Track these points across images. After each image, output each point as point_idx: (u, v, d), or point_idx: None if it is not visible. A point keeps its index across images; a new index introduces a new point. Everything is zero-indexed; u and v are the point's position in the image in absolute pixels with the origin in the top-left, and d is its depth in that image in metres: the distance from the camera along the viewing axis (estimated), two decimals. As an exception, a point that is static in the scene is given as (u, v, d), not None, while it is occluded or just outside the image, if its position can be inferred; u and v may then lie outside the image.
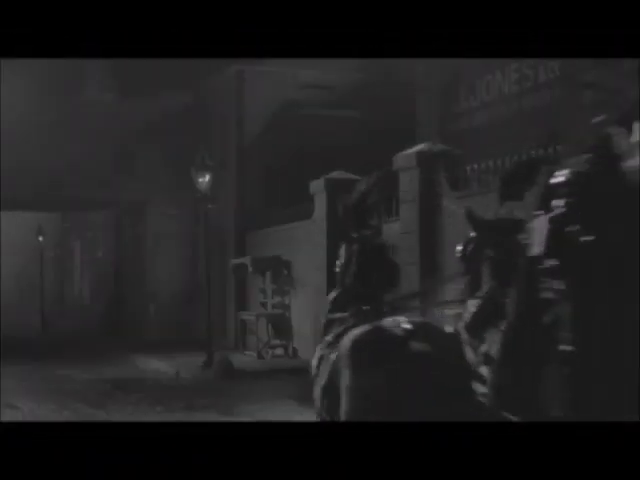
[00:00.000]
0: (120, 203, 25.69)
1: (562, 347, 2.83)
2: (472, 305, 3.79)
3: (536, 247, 2.88)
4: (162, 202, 23.70)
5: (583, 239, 2.68)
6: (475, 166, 12.46)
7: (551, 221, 2.83)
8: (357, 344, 4.24)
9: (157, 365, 17.65)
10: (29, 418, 10.75)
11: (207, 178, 17.24)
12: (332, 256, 14.02)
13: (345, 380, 4.33)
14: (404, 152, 13.34)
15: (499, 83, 15.37)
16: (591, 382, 2.77)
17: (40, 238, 32.64)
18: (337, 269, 4.81)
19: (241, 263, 19.58)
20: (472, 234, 3.69)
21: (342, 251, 4.77)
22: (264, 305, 19.24)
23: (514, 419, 3.36)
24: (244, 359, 17.18)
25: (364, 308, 4.54)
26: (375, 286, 4.60)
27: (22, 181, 22.52)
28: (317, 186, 15.81)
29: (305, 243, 16.80)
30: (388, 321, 4.24)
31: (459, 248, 3.73)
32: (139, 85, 22.79)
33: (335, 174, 15.51)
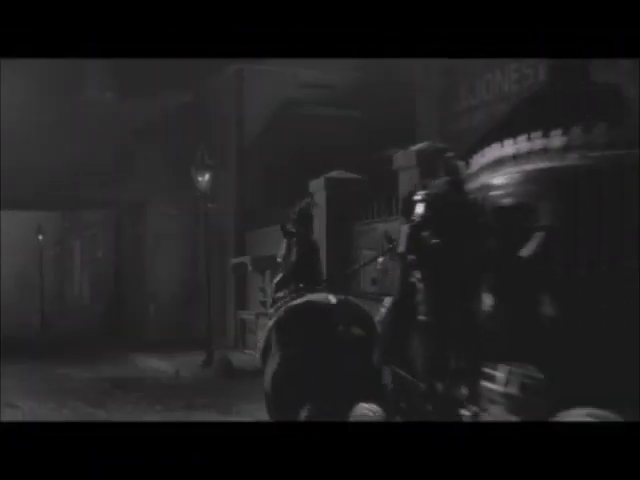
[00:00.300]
0: (120, 203, 25.69)
1: (420, 317, 4.02)
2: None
3: (400, 246, 4.15)
4: (162, 202, 23.70)
5: (433, 241, 3.81)
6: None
7: (410, 228, 4.03)
8: (288, 313, 5.38)
9: (157, 364, 17.65)
10: (29, 417, 10.75)
11: (207, 177, 17.24)
12: (331, 255, 14.00)
13: (275, 342, 5.41)
14: (404, 151, 13.33)
15: (499, 82, 15.35)
16: (438, 342, 3.89)
17: (40, 237, 32.64)
18: (279, 259, 6.16)
19: (241, 262, 19.58)
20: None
21: (283, 245, 6.16)
22: (264, 304, 19.23)
23: (402, 373, 4.23)
24: (244, 358, 17.17)
25: (300, 286, 5.68)
26: (308, 270, 5.85)
27: (22, 181, 22.52)
28: (317, 185, 15.80)
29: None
30: (317, 296, 5.43)
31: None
32: (139, 85, 22.79)
33: (335, 173, 15.50)
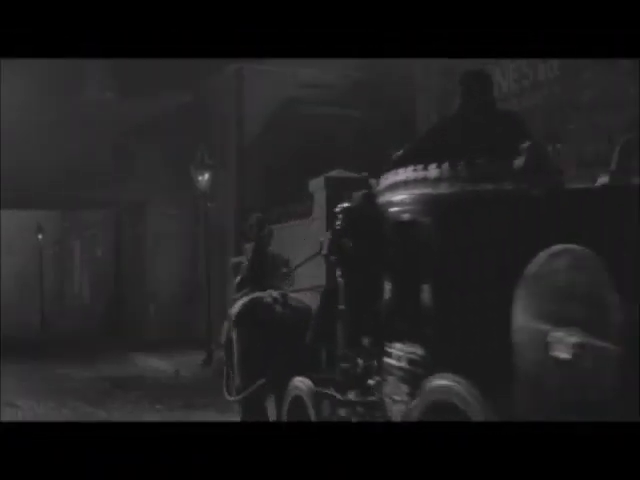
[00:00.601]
0: (120, 202, 25.69)
1: (340, 306, 4.88)
2: None
3: (324, 250, 5.05)
4: (162, 202, 23.69)
5: (349, 246, 4.66)
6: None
7: (332, 234, 4.91)
8: (240, 308, 6.70)
9: (157, 364, 17.65)
10: (29, 416, 10.75)
11: (207, 177, 17.24)
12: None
13: (235, 335, 6.65)
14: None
15: (499, 81, 15.35)
16: (354, 326, 4.72)
17: (40, 237, 32.62)
18: (233, 260, 7.63)
19: (240, 262, 19.54)
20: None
21: (247, 249, 7.47)
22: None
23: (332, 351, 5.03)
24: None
25: (256, 287, 6.87)
26: (264, 272, 7.03)
27: (22, 180, 22.50)
28: (316, 184, 15.79)
29: (304, 241, 16.77)
30: (263, 293, 6.72)
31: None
32: (139, 85, 22.79)
33: (335, 173, 15.50)
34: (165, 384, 14.67)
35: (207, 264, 17.67)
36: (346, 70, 19.76)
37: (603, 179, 4.30)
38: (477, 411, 3.35)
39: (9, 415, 10.61)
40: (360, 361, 4.60)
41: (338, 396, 4.76)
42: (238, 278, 7.30)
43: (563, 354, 3.17)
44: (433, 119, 16.76)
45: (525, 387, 3.33)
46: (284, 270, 7.18)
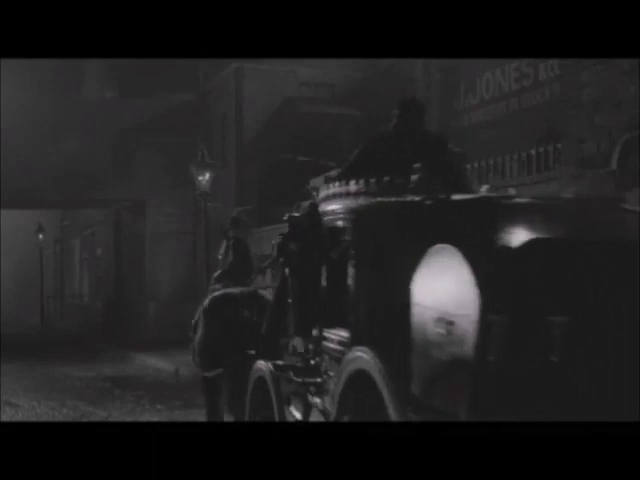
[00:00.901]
0: (120, 201, 25.69)
1: (289, 299, 5.66)
2: None
3: (274, 252, 5.86)
4: (162, 201, 23.69)
5: (293, 248, 5.49)
6: (475, 164, 12.45)
7: (281, 239, 5.73)
8: (210, 300, 7.43)
9: (156, 363, 17.65)
10: (29, 416, 10.75)
11: (207, 176, 17.23)
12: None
13: (201, 321, 7.46)
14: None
15: (499, 81, 15.36)
16: (300, 317, 5.46)
17: (40, 236, 32.64)
18: (219, 256, 7.99)
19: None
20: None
21: (223, 245, 7.88)
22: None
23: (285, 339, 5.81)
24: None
25: (231, 280, 7.57)
26: (239, 268, 7.69)
27: (22, 180, 22.51)
28: (316, 184, 15.79)
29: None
30: (234, 288, 7.44)
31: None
32: (139, 85, 22.79)
33: (334, 172, 15.48)
34: (165, 383, 14.68)
35: (207, 263, 17.67)
36: (346, 69, 19.76)
37: (485, 188, 5.13)
38: (380, 375, 4.11)
39: (9, 414, 10.63)
40: (310, 346, 5.33)
41: (294, 378, 5.47)
42: (218, 271, 7.93)
43: (441, 330, 3.85)
44: (433, 118, 16.79)
45: (418, 357, 4.03)
46: (255, 271, 7.91)
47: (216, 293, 7.45)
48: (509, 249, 3.90)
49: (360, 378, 4.27)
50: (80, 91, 24.69)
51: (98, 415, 10.85)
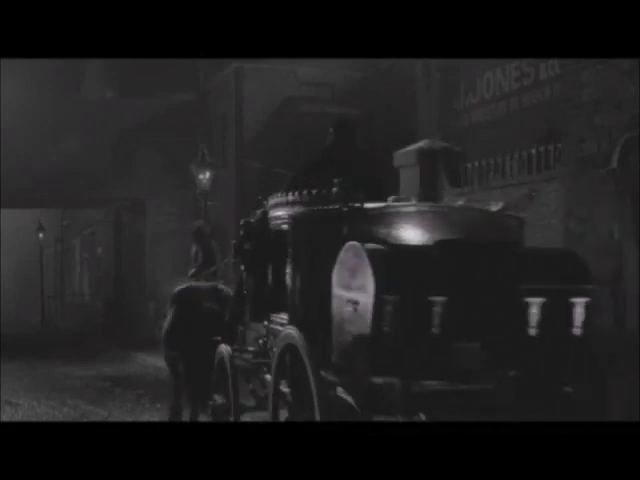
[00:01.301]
0: (120, 201, 25.69)
1: (244, 292, 6.76)
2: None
3: (233, 252, 6.93)
4: (162, 200, 23.69)
5: (247, 248, 6.54)
6: (476, 163, 12.45)
7: (237, 240, 6.81)
8: (178, 291, 8.48)
9: (157, 362, 17.63)
10: (29, 415, 10.76)
11: (207, 175, 17.24)
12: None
13: (168, 310, 8.55)
14: (404, 149, 13.32)
15: (499, 80, 15.34)
16: (253, 306, 6.58)
17: (40, 235, 32.63)
18: (192, 255, 9.04)
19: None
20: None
21: (192, 250, 8.98)
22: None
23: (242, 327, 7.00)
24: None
25: (200, 278, 8.64)
26: (207, 267, 8.77)
27: (22, 179, 22.51)
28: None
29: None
30: (199, 282, 8.52)
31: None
32: (139, 84, 22.79)
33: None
34: (165, 383, 14.64)
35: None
36: (346, 69, 19.75)
37: (392, 198, 6.14)
38: (303, 348, 5.07)
39: (9, 414, 10.63)
40: (262, 330, 6.33)
41: (249, 359, 6.56)
42: (192, 270, 8.97)
43: (350, 309, 4.91)
44: (433, 117, 16.78)
45: (336, 331, 5.08)
46: (214, 268, 8.94)
47: (182, 286, 8.52)
48: (406, 246, 5.25)
49: (290, 350, 5.33)
50: (80, 91, 24.68)
51: (98, 414, 10.86)
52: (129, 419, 10.39)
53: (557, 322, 4.92)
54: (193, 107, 23.35)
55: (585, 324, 4.96)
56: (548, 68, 13.62)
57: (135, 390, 13.21)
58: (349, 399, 4.82)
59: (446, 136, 14.70)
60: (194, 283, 8.55)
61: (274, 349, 5.77)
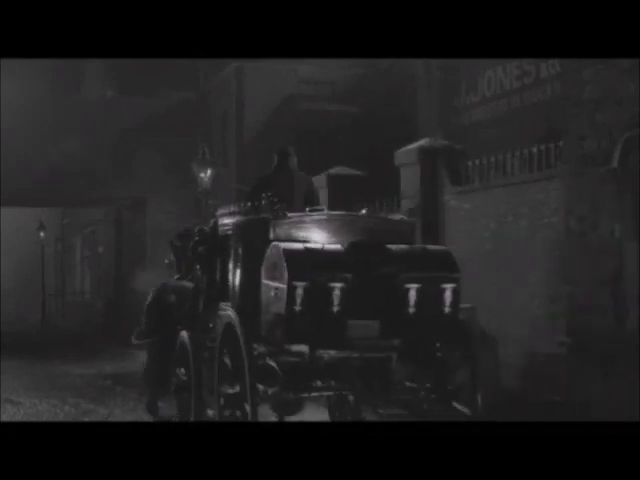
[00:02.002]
0: (120, 200, 25.69)
1: (200, 286, 8.15)
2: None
3: (190, 253, 8.32)
4: (162, 199, 23.69)
5: (201, 251, 7.94)
6: (476, 161, 12.45)
7: (193, 243, 8.11)
8: (155, 287, 9.33)
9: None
10: (30, 414, 10.76)
11: (208, 173, 17.25)
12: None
13: (146, 303, 9.35)
14: (405, 148, 13.33)
15: (500, 78, 15.35)
16: (207, 297, 7.87)
17: (41, 234, 32.63)
18: (166, 261, 10.43)
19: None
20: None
21: (171, 254, 9.97)
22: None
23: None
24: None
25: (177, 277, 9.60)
26: (181, 269, 9.51)
27: (22, 179, 22.51)
28: (318, 182, 15.80)
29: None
30: (170, 280, 9.50)
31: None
32: (139, 83, 22.79)
33: (336, 170, 15.50)
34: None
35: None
36: (346, 67, 19.74)
37: (308, 208, 7.21)
38: (238, 325, 6.48)
39: (10, 412, 10.63)
40: (212, 316, 7.51)
41: (207, 342, 7.64)
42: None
43: (272, 294, 6.34)
44: (434, 115, 16.79)
45: (264, 313, 6.44)
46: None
47: (158, 285, 9.55)
48: (313, 245, 6.51)
49: (228, 328, 6.70)
50: (80, 91, 24.69)
51: (99, 413, 10.85)
52: (130, 418, 10.38)
53: (431, 303, 6.42)
54: (193, 106, 23.35)
55: (453, 304, 6.49)
56: (549, 66, 13.62)
57: (136, 389, 13.20)
58: (274, 364, 6.30)
59: (447, 134, 14.73)
60: (166, 282, 9.65)
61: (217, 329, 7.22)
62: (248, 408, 5.87)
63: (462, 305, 6.73)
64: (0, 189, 21.84)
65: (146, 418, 10.24)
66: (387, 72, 19.79)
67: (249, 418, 5.71)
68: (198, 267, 8.14)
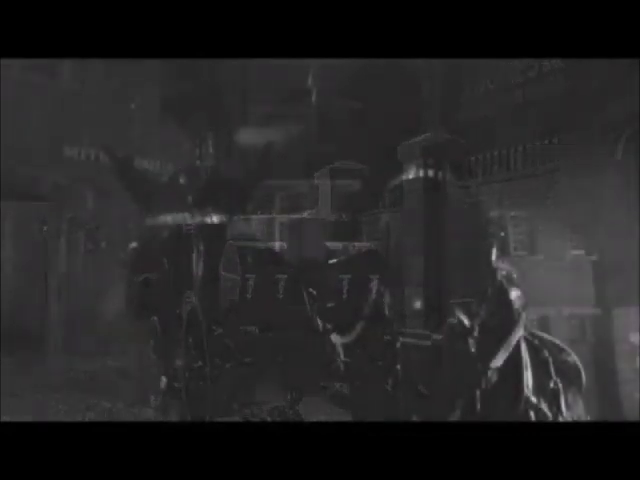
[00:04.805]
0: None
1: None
2: None
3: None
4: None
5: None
6: (480, 156, 12.41)
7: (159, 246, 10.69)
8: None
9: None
10: (33, 409, 10.78)
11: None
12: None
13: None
14: (408, 142, 13.29)
15: (504, 73, 15.29)
16: (175, 290, 9.89)
17: (45, 228, 32.59)
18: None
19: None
20: None
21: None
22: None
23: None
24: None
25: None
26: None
27: (24, 173, 22.49)
28: (322, 175, 15.79)
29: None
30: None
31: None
32: (139, 82, 22.75)
33: (339, 163, 15.49)
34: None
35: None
36: (350, 61, 19.69)
37: (259, 212, 8.85)
38: (200, 308, 7.76)
39: (13, 408, 10.65)
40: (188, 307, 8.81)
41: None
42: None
43: (230, 283, 7.38)
44: (437, 109, 16.72)
45: (223, 298, 7.66)
46: None
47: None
48: (262, 244, 8.38)
49: (192, 312, 8.12)
50: (81, 88, 24.62)
51: (103, 407, 10.88)
52: (133, 412, 10.42)
53: (360, 290, 8.00)
54: (195, 103, 23.28)
55: (378, 292, 7.97)
56: (552, 61, 13.57)
57: (140, 383, 13.21)
58: (230, 343, 7.71)
59: (450, 128, 14.66)
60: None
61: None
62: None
63: None
64: (1, 183, 21.83)
65: (150, 412, 10.28)
66: (389, 65, 19.72)
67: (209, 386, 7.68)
68: (166, 261, 9.72)
